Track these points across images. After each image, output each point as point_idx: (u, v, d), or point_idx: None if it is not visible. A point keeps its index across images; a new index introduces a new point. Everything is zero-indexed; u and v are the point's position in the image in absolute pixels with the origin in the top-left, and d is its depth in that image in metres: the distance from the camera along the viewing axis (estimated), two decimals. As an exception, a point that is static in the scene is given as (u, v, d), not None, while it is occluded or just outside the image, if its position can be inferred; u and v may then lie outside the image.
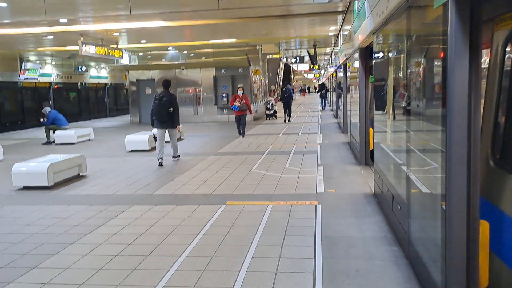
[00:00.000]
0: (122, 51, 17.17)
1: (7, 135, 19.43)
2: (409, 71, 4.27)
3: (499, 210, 2.89)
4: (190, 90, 22.12)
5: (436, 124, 3.23)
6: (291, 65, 37.00)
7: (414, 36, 4.03)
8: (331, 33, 17.83)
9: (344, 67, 14.66)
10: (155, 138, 10.68)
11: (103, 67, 30.96)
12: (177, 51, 22.96)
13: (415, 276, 3.91)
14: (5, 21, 11.77)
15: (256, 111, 23.11)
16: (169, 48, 22.08)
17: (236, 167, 9.49)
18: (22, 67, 22.44)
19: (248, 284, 3.87)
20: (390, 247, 4.61)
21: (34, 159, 8.87)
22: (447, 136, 2.91)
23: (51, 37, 16.03)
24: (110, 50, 16.08)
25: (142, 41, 18.61)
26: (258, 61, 23.64)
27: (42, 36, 15.72)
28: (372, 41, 7.00)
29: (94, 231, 5.49)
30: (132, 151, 12.44)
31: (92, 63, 28.79)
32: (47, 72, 25.32)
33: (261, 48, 23.40)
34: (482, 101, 3.04)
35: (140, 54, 24.01)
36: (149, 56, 24.73)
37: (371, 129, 8.52)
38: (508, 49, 2.93)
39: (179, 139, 14.16)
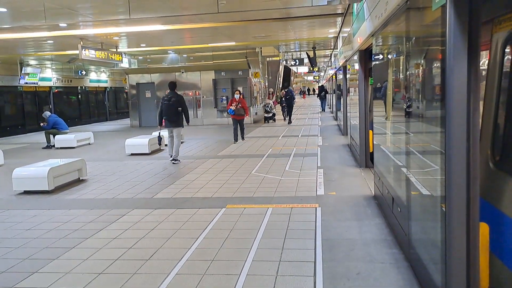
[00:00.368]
0: (121, 55, 17.18)
1: (8, 140, 19.43)
2: (408, 73, 4.27)
3: (499, 212, 2.89)
4: (190, 93, 22.13)
5: (435, 126, 3.23)
6: (290, 67, 37.02)
7: (413, 38, 4.03)
8: (330, 35, 17.84)
9: (344, 69, 14.67)
10: (159, 140, 11.33)
11: (103, 71, 30.99)
12: (176, 54, 22.97)
13: (415, 278, 3.91)
14: (5, 26, 11.78)
15: (256, 113, 23.09)
16: (168, 52, 22.10)
17: (236, 170, 9.49)
18: (22, 72, 22.46)
19: None
20: (391, 250, 4.61)
21: (35, 163, 8.88)
22: (447, 138, 2.91)
23: (51, 41, 16.05)
24: (110, 54, 16.09)
25: (142, 45, 18.63)
26: (258, 64, 23.64)
27: (42, 41, 15.74)
28: (371, 43, 7.00)
29: (94, 235, 5.48)
30: (132, 154, 12.44)
31: (92, 67, 28.81)
32: (47, 76, 25.35)
33: (261, 51, 23.42)
34: (482, 103, 3.03)
35: (140, 57, 24.04)
36: (148, 60, 24.75)
37: (371, 131, 8.53)
38: (507, 50, 2.93)
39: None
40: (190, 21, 12.10)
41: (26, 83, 22.88)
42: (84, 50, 14.21)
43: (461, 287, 2.95)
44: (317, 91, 48.15)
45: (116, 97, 34.63)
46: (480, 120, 2.96)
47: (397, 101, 5.06)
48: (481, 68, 2.95)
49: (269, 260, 4.42)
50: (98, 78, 31.05)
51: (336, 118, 22.13)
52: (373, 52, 6.79)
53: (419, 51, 3.89)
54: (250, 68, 21.90)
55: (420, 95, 3.87)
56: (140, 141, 12.62)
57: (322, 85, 36.20)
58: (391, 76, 5.39)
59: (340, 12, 12.04)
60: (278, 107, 24.62)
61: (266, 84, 28.21)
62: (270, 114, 22.24)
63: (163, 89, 22.45)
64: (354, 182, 7.95)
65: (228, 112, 14.48)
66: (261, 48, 22.97)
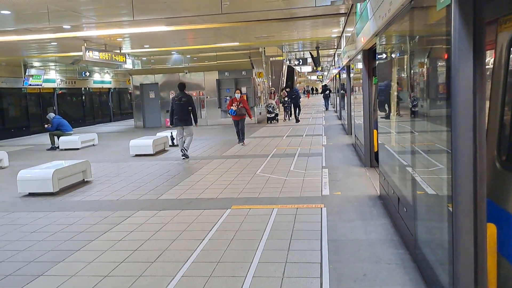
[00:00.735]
0: (125, 56, 17.20)
1: (12, 142, 19.51)
2: (413, 72, 4.25)
3: (506, 213, 2.86)
4: (194, 94, 22.11)
5: (441, 125, 3.22)
6: (294, 67, 36.97)
7: (418, 38, 4.01)
8: (333, 35, 17.81)
9: (347, 68, 14.64)
10: (172, 140, 11.65)
11: (107, 72, 31.04)
12: (180, 55, 22.98)
13: (422, 279, 3.89)
14: (9, 29, 11.81)
15: (260, 113, 23.05)
16: (172, 52, 22.11)
17: (241, 170, 9.48)
18: (26, 73, 22.52)
19: (255, 289, 3.86)
20: (397, 250, 4.59)
21: (39, 165, 8.90)
22: (453, 137, 2.90)
23: (55, 43, 16.08)
24: (113, 55, 16.12)
25: (145, 46, 18.64)
26: (261, 64, 23.63)
27: (46, 43, 15.77)
28: (375, 43, 6.98)
29: (100, 238, 5.49)
30: (136, 155, 12.46)
31: (96, 68, 28.87)
32: (51, 77, 25.42)
33: (264, 51, 23.39)
34: (487, 102, 3.01)
35: (144, 58, 24.05)
36: (152, 61, 24.76)
37: (375, 131, 8.50)
38: (512, 49, 2.91)
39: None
40: (193, 22, 12.09)
41: (30, 85, 22.95)
42: (88, 52, 14.23)
43: (469, 289, 2.93)
44: (320, 90, 48.15)
45: (120, 98, 34.67)
46: (486, 120, 2.94)
47: (402, 100, 5.04)
48: (486, 67, 2.94)
49: (275, 262, 4.41)
50: (102, 79, 31.09)
51: (340, 117, 22.09)
52: (377, 51, 6.77)
53: (423, 51, 3.87)
54: (253, 68, 21.90)
55: (425, 95, 3.85)
56: (145, 142, 12.63)
57: (325, 84, 36.18)
58: (395, 76, 5.37)
59: (343, 12, 12.01)
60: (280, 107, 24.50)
61: (270, 84, 28.18)
62: (273, 115, 21.93)
63: (167, 90, 22.51)
64: (359, 181, 7.93)
65: (229, 113, 13.97)
66: (264, 48, 22.93)
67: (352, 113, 13.41)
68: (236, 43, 18.49)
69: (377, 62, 7.08)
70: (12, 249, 5.26)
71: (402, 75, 5.00)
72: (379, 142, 7.26)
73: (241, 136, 13.98)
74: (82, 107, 29.52)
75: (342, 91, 19.95)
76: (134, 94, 23.78)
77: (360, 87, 9.60)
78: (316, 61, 24.90)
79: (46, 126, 15.65)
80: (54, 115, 15.76)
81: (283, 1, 9.89)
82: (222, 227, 5.62)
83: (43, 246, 5.30)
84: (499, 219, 2.93)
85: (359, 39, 8.76)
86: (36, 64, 23.62)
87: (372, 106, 8.88)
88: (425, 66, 3.84)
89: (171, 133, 11.92)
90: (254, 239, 5.11)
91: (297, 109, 22.01)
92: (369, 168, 8.99)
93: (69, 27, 12.03)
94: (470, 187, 2.87)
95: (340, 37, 17.39)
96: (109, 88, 32.59)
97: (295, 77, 47.26)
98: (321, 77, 49.06)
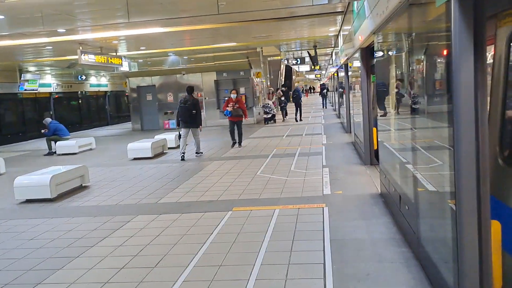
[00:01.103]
0: (121, 59, 17.14)
1: (9, 147, 19.40)
2: (412, 69, 4.21)
3: (510, 209, 2.82)
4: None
5: (442, 122, 3.18)
6: (292, 66, 36.96)
7: (417, 34, 3.97)
8: (331, 34, 17.79)
9: (345, 67, 14.60)
10: (179, 137, 12.04)
11: (103, 75, 30.97)
12: (177, 56, 22.93)
13: (426, 277, 3.84)
14: (3, 33, 11.75)
15: (259, 113, 22.98)
16: (169, 54, 22.06)
17: (241, 171, 9.43)
18: (22, 78, 22.44)
19: (257, 292, 3.81)
20: (399, 249, 4.54)
21: (36, 171, 8.83)
22: (455, 133, 2.87)
23: (50, 47, 16.03)
24: (109, 58, 16.06)
25: (141, 48, 18.59)
26: (259, 64, 23.57)
27: (41, 47, 15.71)
28: (373, 41, 6.94)
29: (99, 244, 5.43)
30: (135, 159, 12.38)
31: (92, 72, 28.81)
32: (47, 82, 25.32)
33: (262, 51, 23.35)
34: (489, 98, 2.98)
35: (140, 60, 23.99)
36: (149, 63, 24.71)
37: (374, 129, 8.47)
38: (512, 45, 2.87)
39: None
40: (190, 23, 12.06)
41: (26, 90, 22.86)
42: (84, 55, 14.17)
43: (474, 287, 2.88)
44: (318, 89, 48.18)
45: (117, 101, 34.63)
46: (488, 116, 2.91)
47: (402, 98, 5.00)
48: (487, 63, 2.90)
49: (278, 264, 4.36)
50: (98, 82, 31.02)
51: (339, 116, 22.05)
52: (375, 49, 6.73)
53: (423, 48, 3.83)
54: (251, 68, 21.84)
55: (426, 91, 3.81)
56: (143, 145, 12.55)
57: (323, 83, 36.19)
58: (394, 73, 5.33)
59: (340, 10, 11.98)
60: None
61: (269, 83, 28.14)
62: (270, 115, 21.44)
63: (164, 92, 22.43)
64: (360, 180, 7.89)
65: (224, 114, 13.39)
66: (262, 48, 22.89)
67: (351, 112, 13.38)
68: (234, 43, 18.45)
69: (375, 60, 7.04)
70: (10, 257, 5.19)
71: (401, 72, 4.96)
72: (379, 140, 7.22)
73: (238, 138, 13.49)
74: (79, 111, 29.46)
75: (340, 90, 19.91)
76: (131, 96, 23.67)
77: (359, 86, 9.57)
78: (314, 60, 24.87)
79: (43, 131, 15.54)
80: (50, 120, 15.64)
81: (280, 0, 9.85)
82: (224, 230, 5.57)
83: (41, 253, 5.24)
84: (503, 216, 2.89)
85: (357, 37, 8.73)
86: (32, 68, 23.56)
87: (371, 104, 8.85)
88: (425, 63, 3.80)
89: (179, 132, 12.05)
90: (256, 241, 5.06)
91: (299, 109, 21.68)
92: (369, 166, 8.95)
93: (64, 30, 11.97)
94: (474, 184, 2.84)
95: (337, 36, 17.36)
96: (106, 91, 32.54)
97: (293, 77, 47.30)
98: (319, 76, 49.01)
